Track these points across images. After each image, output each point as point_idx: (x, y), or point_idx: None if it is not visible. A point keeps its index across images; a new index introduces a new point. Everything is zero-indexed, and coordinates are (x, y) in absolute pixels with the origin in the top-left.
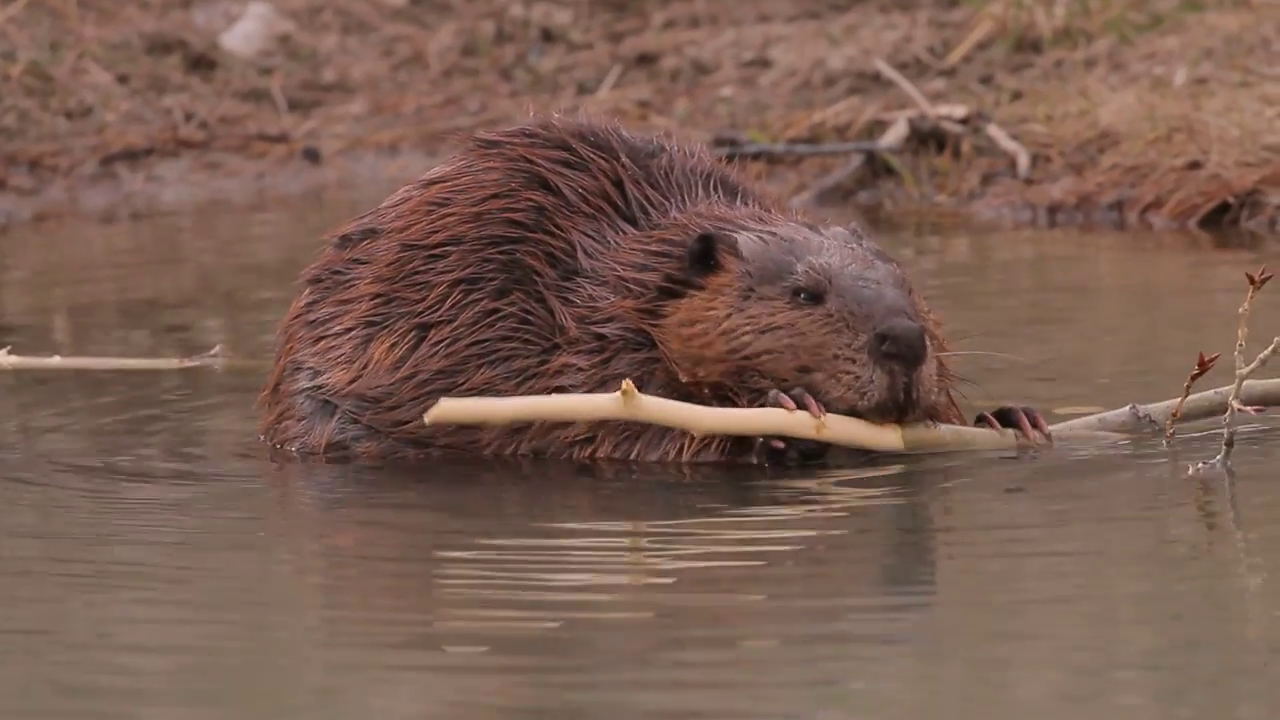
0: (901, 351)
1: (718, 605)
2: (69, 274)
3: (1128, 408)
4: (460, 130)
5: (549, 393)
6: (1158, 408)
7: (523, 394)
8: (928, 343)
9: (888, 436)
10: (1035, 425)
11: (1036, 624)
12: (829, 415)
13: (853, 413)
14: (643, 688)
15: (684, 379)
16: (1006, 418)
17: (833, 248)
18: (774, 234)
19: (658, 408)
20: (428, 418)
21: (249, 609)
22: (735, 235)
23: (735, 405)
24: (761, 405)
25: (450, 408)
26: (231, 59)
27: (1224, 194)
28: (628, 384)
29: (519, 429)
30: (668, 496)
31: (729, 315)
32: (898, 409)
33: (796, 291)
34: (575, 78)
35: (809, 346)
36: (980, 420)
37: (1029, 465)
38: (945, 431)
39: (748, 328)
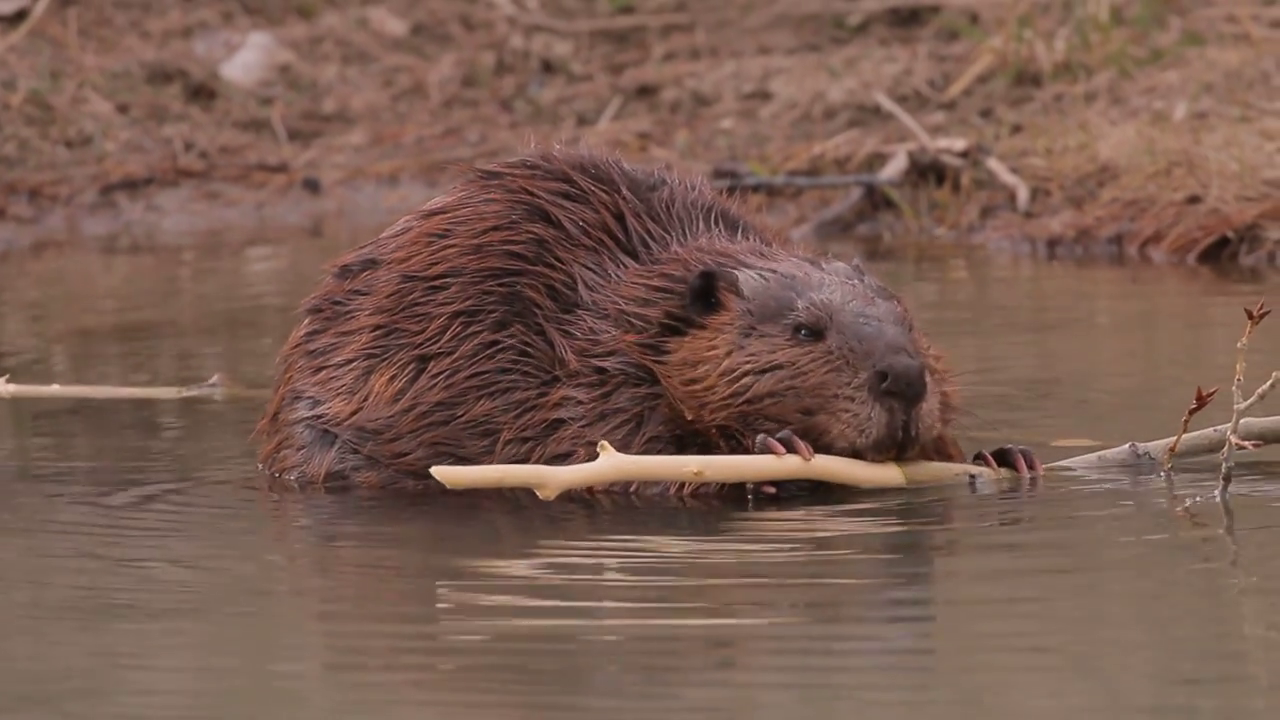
0: (901, 389)
1: (714, 629)
2: (68, 303)
3: (1127, 445)
4: (460, 161)
5: (547, 425)
6: (1157, 445)
7: (521, 426)
8: (928, 380)
9: (886, 473)
10: (1031, 466)
11: (1028, 659)
12: (821, 456)
13: (853, 451)
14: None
15: (689, 418)
16: (1004, 457)
17: (834, 284)
18: (775, 271)
19: (643, 464)
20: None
21: (246, 640)
22: (736, 273)
23: (741, 444)
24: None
25: (449, 473)
26: (231, 89)
27: (1223, 229)
28: (604, 444)
29: (517, 459)
30: (664, 525)
31: (730, 354)
32: (896, 446)
33: (797, 328)
34: (575, 109)
35: (810, 387)
36: (978, 458)
37: (1027, 500)
38: (943, 469)
39: (748, 366)
